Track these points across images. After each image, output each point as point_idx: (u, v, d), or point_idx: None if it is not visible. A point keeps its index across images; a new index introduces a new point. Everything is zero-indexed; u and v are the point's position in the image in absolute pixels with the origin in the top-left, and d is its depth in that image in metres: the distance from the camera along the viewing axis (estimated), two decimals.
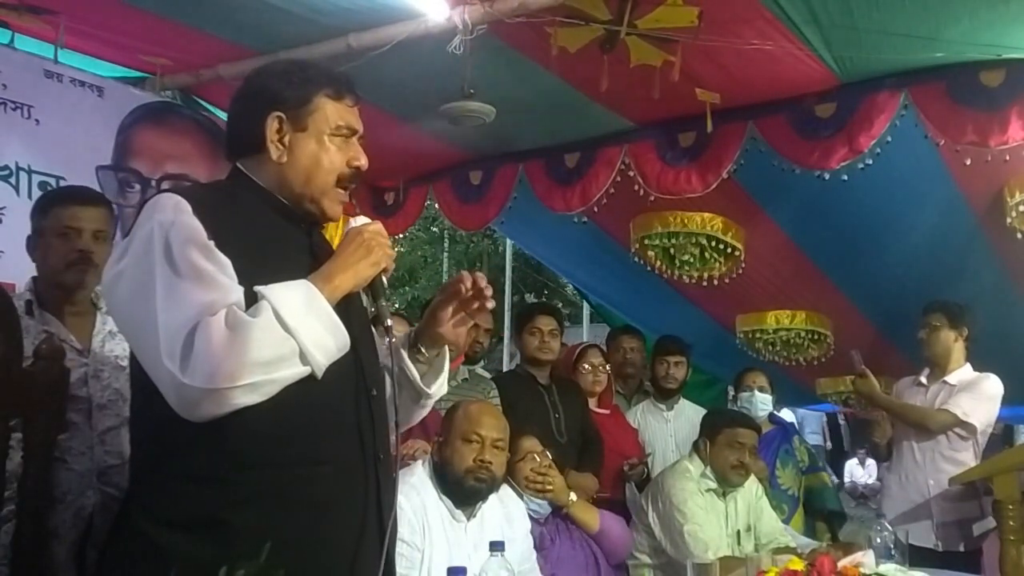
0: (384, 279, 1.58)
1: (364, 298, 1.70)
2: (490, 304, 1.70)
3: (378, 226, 1.57)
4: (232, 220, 1.49)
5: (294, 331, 1.38)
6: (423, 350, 1.72)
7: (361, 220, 1.59)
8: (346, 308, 1.52)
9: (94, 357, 2.23)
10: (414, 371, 1.70)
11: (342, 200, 1.61)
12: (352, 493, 1.51)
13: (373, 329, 1.68)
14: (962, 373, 3.67)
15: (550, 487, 2.93)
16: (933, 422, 3.60)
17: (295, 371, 1.40)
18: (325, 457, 1.49)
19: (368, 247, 1.53)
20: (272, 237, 1.54)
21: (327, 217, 1.60)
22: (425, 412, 1.82)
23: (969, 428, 3.57)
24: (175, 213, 1.44)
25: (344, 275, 1.49)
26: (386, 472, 1.59)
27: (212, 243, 1.43)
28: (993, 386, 3.64)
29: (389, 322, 1.58)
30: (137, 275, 1.41)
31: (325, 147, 1.56)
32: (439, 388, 1.77)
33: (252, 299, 1.41)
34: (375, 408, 1.58)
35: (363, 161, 1.60)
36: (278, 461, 1.44)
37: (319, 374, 1.43)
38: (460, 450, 2.46)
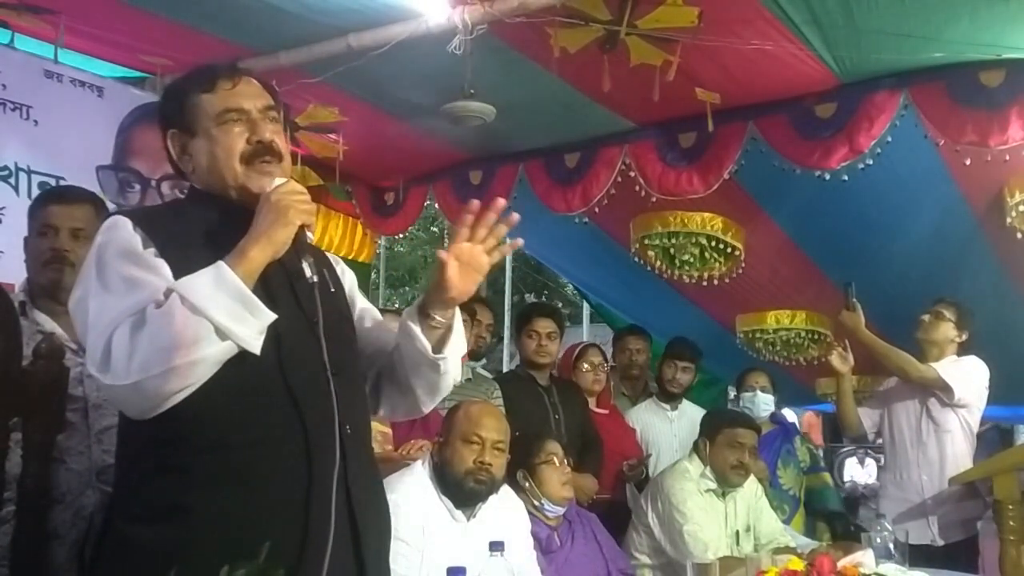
0: (309, 235, 1.56)
1: (325, 276, 1.68)
2: (503, 226, 1.63)
3: (291, 184, 1.54)
4: (178, 229, 1.53)
5: (202, 310, 1.38)
6: (435, 316, 1.67)
7: (277, 182, 1.55)
8: (290, 285, 1.54)
9: None
10: (425, 343, 1.65)
11: (266, 173, 1.56)
12: (309, 470, 1.49)
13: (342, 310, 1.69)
14: (944, 362, 3.67)
15: None
16: (913, 368, 3.59)
17: (216, 348, 1.39)
18: (278, 436, 1.49)
19: (278, 209, 1.49)
20: (220, 238, 1.53)
21: (257, 196, 1.55)
22: (450, 379, 1.74)
23: (949, 393, 3.56)
24: (109, 232, 1.50)
25: (257, 245, 1.47)
26: (354, 445, 1.56)
27: (152, 250, 1.47)
28: (974, 363, 3.64)
29: (314, 279, 1.57)
30: (81, 299, 1.48)
31: (215, 139, 1.57)
32: (455, 349, 1.71)
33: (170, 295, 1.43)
34: (338, 384, 1.56)
35: (264, 135, 1.57)
36: (234, 443, 1.45)
37: (252, 347, 1.43)
38: (460, 451, 2.46)
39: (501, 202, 1.64)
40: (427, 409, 1.80)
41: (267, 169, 1.57)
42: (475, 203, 1.63)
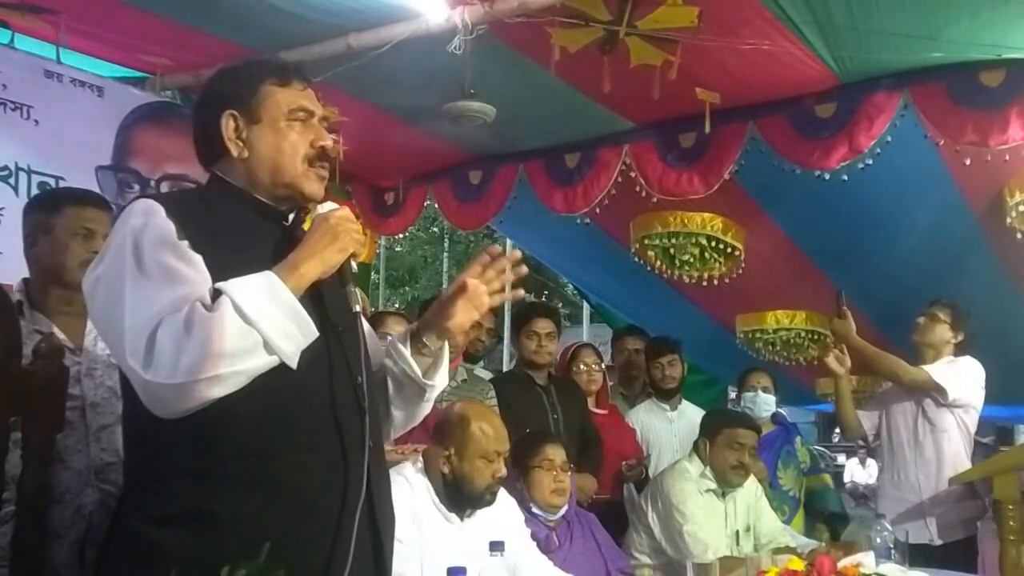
0: (353, 264, 1.58)
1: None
2: (511, 274, 1.70)
3: (345, 211, 1.57)
4: (206, 221, 1.51)
5: (255, 322, 1.38)
6: (427, 343, 1.71)
7: (328, 206, 1.58)
8: (320, 296, 1.53)
9: (87, 355, 2.22)
10: (415, 367, 1.69)
11: (321, 177, 1.61)
12: (341, 480, 1.51)
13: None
14: (940, 363, 3.67)
15: None
16: (905, 372, 3.60)
17: (262, 361, 1.40)
18: (311, 445, 1.49)
19: (335, 233, 1.52)
20: (248, 235, 1.54)
21: (307, 197, 1.59)
22: (429, 407, 1.80)
23: (943, 394, 3.56)
24: (145, 217, 1.47)
25: (310, 262, 1.49)
26: (377, 460, 1.58)
27: (185, 243, 1.45)
28: (969, 363, 3.64)
29: (357, 308, 1.58)
30: (110, 280, 1.44)
31: (283, 133, 1.57)
32: (441, 380, 1.76)
33: (219, 296, 1.41)
34: (362, 396, 1.58)
35: (327, 141, 1.60)
36: (264, 451, 1.44)
37: (292, 363, 1.43)
38: (480, 468, 2.44)
39: (517, 254, 1.73)
40: (394, 436, 1.85)
41: (322, 174, 1.60)
42: (496, 248, 1.72)
